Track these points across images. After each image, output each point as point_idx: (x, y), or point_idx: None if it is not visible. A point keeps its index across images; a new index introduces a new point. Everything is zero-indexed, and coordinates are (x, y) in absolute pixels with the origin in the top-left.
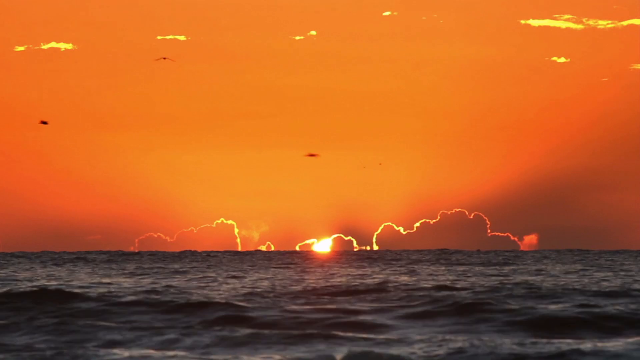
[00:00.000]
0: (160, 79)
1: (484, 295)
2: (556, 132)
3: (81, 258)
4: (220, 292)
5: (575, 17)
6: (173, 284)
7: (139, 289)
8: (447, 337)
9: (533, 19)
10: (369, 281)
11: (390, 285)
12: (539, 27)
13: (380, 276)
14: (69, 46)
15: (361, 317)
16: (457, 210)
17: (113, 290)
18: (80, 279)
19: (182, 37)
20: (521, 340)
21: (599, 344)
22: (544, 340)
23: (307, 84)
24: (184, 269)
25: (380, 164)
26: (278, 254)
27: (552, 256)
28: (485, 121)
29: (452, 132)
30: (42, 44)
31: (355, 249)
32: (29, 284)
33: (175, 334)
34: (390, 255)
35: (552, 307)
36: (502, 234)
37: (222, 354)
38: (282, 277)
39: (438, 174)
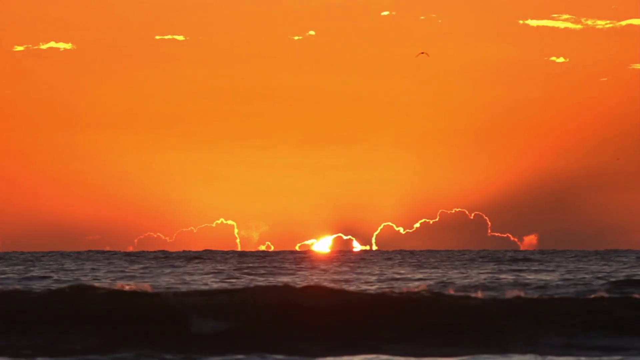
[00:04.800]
0: (160, 79)
1: None
2: (554, 132)
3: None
4: None
5: (573, 17)
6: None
7: None
8: None
9: (531, 19)
10: None
11: None
12: (538, 27)
13: None
14: (68, 46)
15: None
16: (458, 210)
17: None
18: None
19: (180, 37)
20: None
21: None
22: None
23: (306, 84)
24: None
25: (618, 158)
26: (291, 253)
27: None
28: (484, 122)
29: (450, 132)
30: (41, 43)
31: (355, 249)
32: None
33: None
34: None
35: None
36: (502, 235)
37: None
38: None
39: (438, 174)
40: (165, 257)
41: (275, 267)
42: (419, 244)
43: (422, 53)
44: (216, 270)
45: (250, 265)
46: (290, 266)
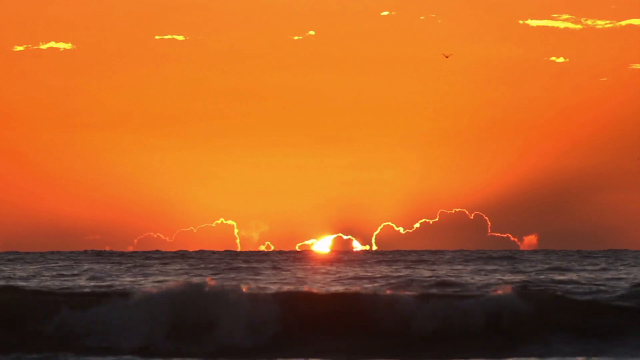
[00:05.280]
0: (159, 79)
1: None
2: (554, 132)
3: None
4: None
5: (573, 17)
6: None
7: None
8: None
9: (531, 19)
10: None
11: None
12: (537, 27)
13: None
14: (68, 46)
15: None
16: (458, 210)
17: None
18: None
19: (180, 37)
20: None
21: None
22: None
23: (306, 83)
24: None
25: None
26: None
27: None
28: (483, 122)
29: (450, 133)
30: (41, 43)
31: (355, 249)
32: None
33: None
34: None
35: None
36: (502, 235)
37: None
38: None
39: (438, 174)
40: (154, 257)
41: (249, 266)
42: (419, 244)
43: (447, 56)
44: (182, 271)
45: (223, 265)
46: (258, 266)
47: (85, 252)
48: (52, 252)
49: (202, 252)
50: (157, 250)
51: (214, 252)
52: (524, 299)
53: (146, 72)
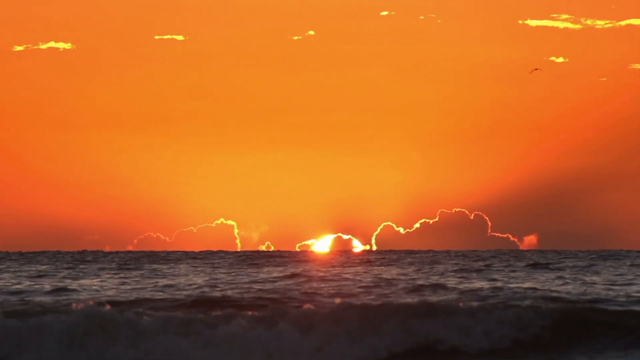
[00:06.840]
0: (159, 79)
1: None
2: (554, 133)
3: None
4: None
5: (573, 17)
6: None
7: None
8: None
9: (531, 19)
10: None
11: None
12: (537, 27)
13: None
14: (68, 46)
15: None
16: (458, 210)
17: None
18: None
19: (179, 37)
20: None
21: None
22: None
23: (305, 83)
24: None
25: None
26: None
27: None
28: (482, 122)
29: (450, 133)
30: (40, 43)
31: (356, 249)
32: None
33: None
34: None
35: None
36: (502, 235)
37: None
38: None
39: (438, 174)
40: (133, 257)
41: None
42: (419, 244)
43: (536, 69)
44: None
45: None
46: (224, 268)
47: (84, 251)
48: (39, 253)
49: (194, 252)
50: (142, 251)
51: (183, 253)
52: None
53: (146, 72)
